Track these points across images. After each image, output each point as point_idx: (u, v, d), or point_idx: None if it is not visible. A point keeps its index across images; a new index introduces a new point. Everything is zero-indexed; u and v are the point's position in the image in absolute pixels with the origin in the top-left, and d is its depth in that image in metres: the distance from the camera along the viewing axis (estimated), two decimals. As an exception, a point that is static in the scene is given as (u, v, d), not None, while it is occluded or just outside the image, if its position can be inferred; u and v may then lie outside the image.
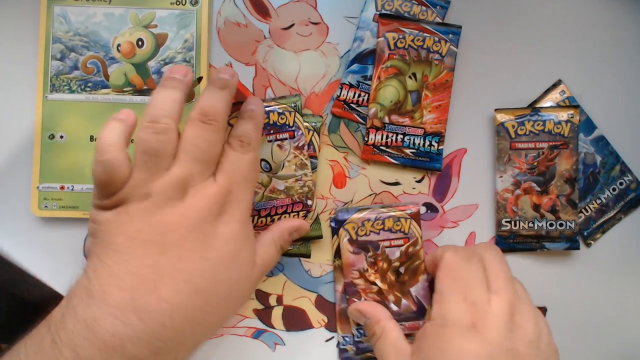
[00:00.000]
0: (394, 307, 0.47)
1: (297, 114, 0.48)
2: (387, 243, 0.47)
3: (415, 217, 0.47)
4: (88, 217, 0.48)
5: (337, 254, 0.49)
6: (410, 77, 0.49)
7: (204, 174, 0.39)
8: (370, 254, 0.47)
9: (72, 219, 0.49)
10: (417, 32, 0.49)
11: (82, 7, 0.48)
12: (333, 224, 0.49)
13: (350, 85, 0.49)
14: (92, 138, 0.48)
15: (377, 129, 0.49)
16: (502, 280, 0.41)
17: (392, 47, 0.49)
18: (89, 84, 0.48)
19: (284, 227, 0.45)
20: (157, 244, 0.36)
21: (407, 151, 0.49)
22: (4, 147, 0.49)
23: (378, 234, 0.47)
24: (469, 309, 0.39)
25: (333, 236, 0.49)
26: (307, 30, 0.50)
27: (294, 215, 0.48)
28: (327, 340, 0.50)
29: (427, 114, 0.49)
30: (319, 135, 0.49)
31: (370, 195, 0.50)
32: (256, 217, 0.48)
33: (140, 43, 0.48)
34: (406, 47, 0.49)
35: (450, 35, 0.49)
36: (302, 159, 0.48)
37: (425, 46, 0.49)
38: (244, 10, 0.50)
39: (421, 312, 0.47)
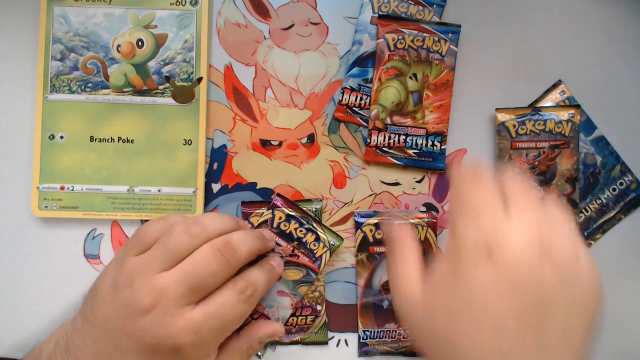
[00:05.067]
0: None
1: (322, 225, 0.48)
2: None
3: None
4: (88, 217, 0.48)
5: (361, 248, 0.49)
6: (411, 77, 0.49)
7: (184, 298, 0.36)
8: None
9: (72, 219, 0.49)
10: (416, 32, 0.49)
11: (82, 8, 0.48)
12: (357, 219, 0.49)
13: (352, 89, 0.49)
14: (92, 138, 0.48)
15: (379, 130, 0.49)
16: (525, 200, 0.33)
17: (392, 48, 0.49)
18: (89, 85, 0.48)
19: (254, 337, 0.43)
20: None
21: (410, 152, 0.49)
22: (4, 147, 0.49)
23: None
24: (483, 233, 0.32)
25: (356, 231, 0.49)
26: (307, 30, 0.50)
27: (301, 320, 0.48)
28: (329, 339, 0.50)
29: (429, 113, 0.49)
30: (330, 255, 0.48)
31: (370, 195, 0.50)
32: None
33: (140, 43, 0.48)
34: (406, 47, 0.49)
35: (450, 35, 0.49)
36: None
37: (425, 46, 0.49)
38: (243, 10, 0.50)
39: None
